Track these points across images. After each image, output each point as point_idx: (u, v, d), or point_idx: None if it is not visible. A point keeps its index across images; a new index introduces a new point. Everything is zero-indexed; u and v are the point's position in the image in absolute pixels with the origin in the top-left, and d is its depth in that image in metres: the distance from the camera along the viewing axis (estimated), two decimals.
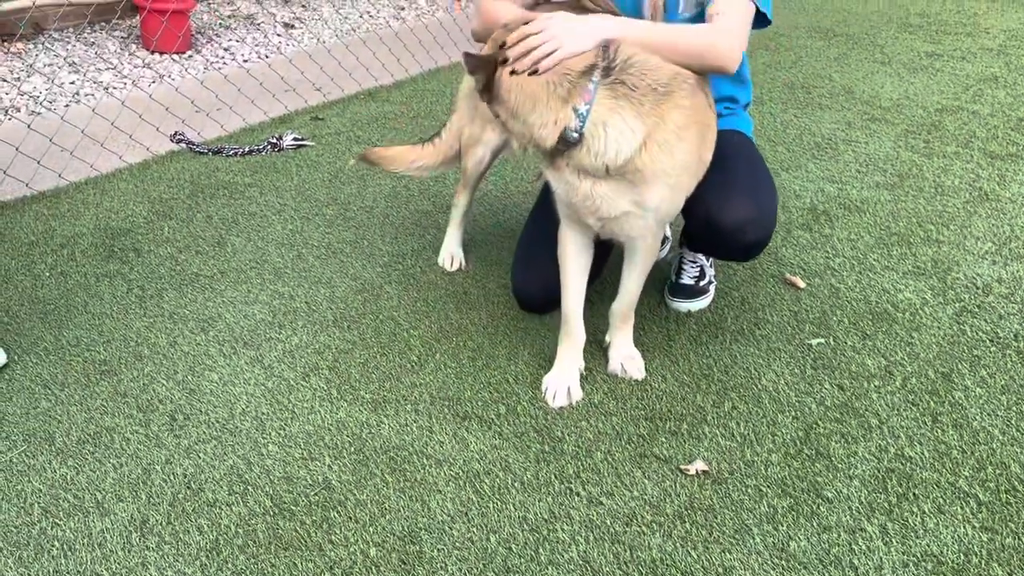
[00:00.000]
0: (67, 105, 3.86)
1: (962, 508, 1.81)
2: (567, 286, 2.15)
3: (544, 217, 2.48)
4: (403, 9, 6.14)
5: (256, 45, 5.03)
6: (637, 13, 2.13)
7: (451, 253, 2.71)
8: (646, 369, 2.23)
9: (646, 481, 1.87)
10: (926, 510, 1.80)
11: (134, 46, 4.72)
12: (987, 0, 6.60)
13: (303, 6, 5.94)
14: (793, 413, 2.08)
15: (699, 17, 2.15)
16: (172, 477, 1.86)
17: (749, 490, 1.85)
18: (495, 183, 3.28)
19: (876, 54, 5.02)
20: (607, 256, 2.42)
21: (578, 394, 2.12)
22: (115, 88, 4.12)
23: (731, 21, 1.93)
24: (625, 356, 2.22)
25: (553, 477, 1.87)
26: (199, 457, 1.91)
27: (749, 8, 1.98)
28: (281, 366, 2.21)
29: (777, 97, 4.20)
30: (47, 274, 2.60)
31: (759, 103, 4.06)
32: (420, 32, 4.93)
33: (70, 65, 4.35)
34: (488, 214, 3.03)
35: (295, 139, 3.55)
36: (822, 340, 2.36)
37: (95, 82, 4.19)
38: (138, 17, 4.73)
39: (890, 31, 5.58)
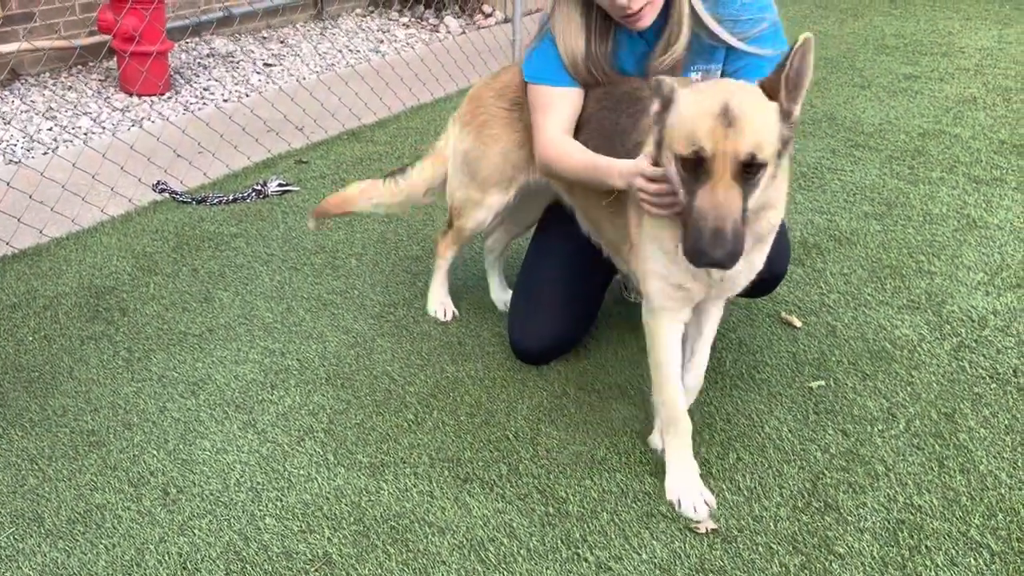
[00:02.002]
0: (45, 153, 3.80)
1: (975, 560, 1.78)
2: (673, 383, 1.93)
3: (540, 265, 2.45)
4: (382, 43, 6.14)
5: (235, 84, 4.99)
6: None
7: (441, 303, 2.66)
8: (646, 420, 2.19)
9: (655, 543, 1.83)
10: (939, 563, 1.78)
11: (112, 89, 4.67)
12: (961, 19, 6.69)
13: (281, 43, 5.91)
14: (799, 463, 2.06)
15: None
16: (167, 558, 1.80)
17: (760, 548, 1.81)
18: None
19: (855, 77, 5.06)
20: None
21: (711, 498, 1.92)
22: (94, 134, 4.06)
23: None
24: None
25: (559, 542, 1.83)
26: (194, 534, 1.85)
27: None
28: (275, 430, 2.16)
29: None
30: (30, 338, 2.53)
31: None
32: (400, 67, 4.92)
33: (47, 111, 4.29)
34: (479, 258, 3.00)
35: (280, 184, 3.50)
36: (822, 382, 2.34)
37: (74, 127, 4.14)
38: (115, 59, 4.69)
39: (867, 53, 5.63)
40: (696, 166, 1.58)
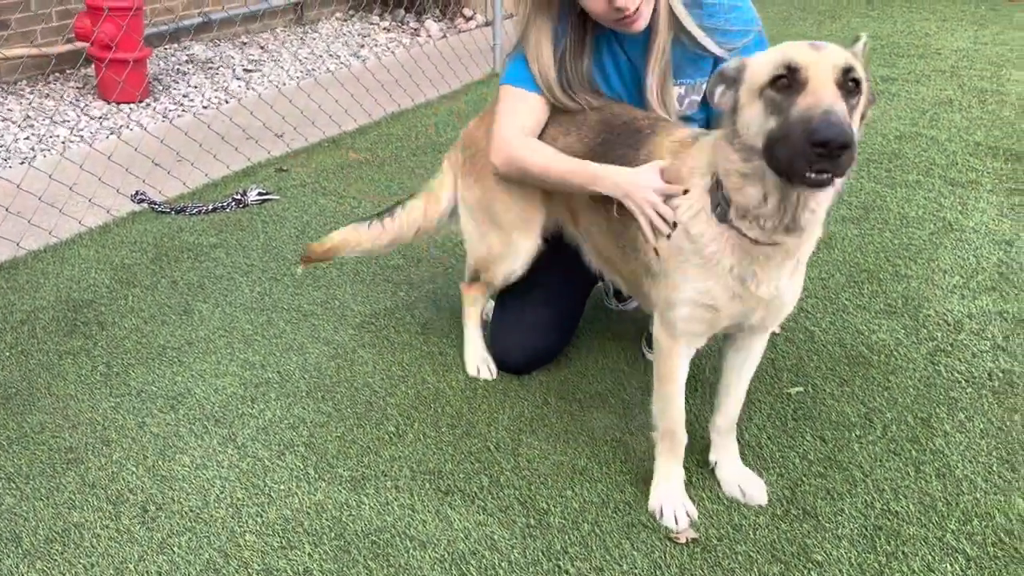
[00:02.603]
0: (23, 163, 3.76)
1: (951, 565, 1.80)
2: (678, 403, 1.92)
3: (523, 277, 2.44)
4: (362, 48, 6.12)
5: (215, 91, 4.96)
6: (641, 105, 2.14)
7: (483, 359, 2.42)
8: (626, 429, 2.21)
9: (636, 553, 1.84)
10: (916, 569, 1.80)
11: (90, 97, 4.63)
12: (937, 20, 6.77)
13: (261, 48, 5.88)
14: (778, 470, 2.07)
15: (700, 116, 2.19)
16: None
17: (739, 557, 1.83)
18: None
19: None
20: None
21: (693, 510, 1.93)
22: (72, 143, 4.03)
23: None
24: (741, 477, 2.00)
25: (541, 554, 1.83)
26: (173, 552, 1.84)
27: None
28: (255, 444, 2.15)
29: None
30: (7, 354, 2.51)
31: None
32: (380, 72, 4.91)
33: (24, 120, 4.25)
34: (458, 267, 2.99)
35: (259, 193, 3.49)
36: (800, 388, 2.36)
37: (51, 136, 4.10)
38: (93, 67, 4.65)
39: None
40: (786, 85, 1.48)
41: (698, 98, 2.18)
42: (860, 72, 1.52)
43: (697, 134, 1.91)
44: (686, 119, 2.19)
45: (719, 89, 1.66)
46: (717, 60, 2.10)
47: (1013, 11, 7.20)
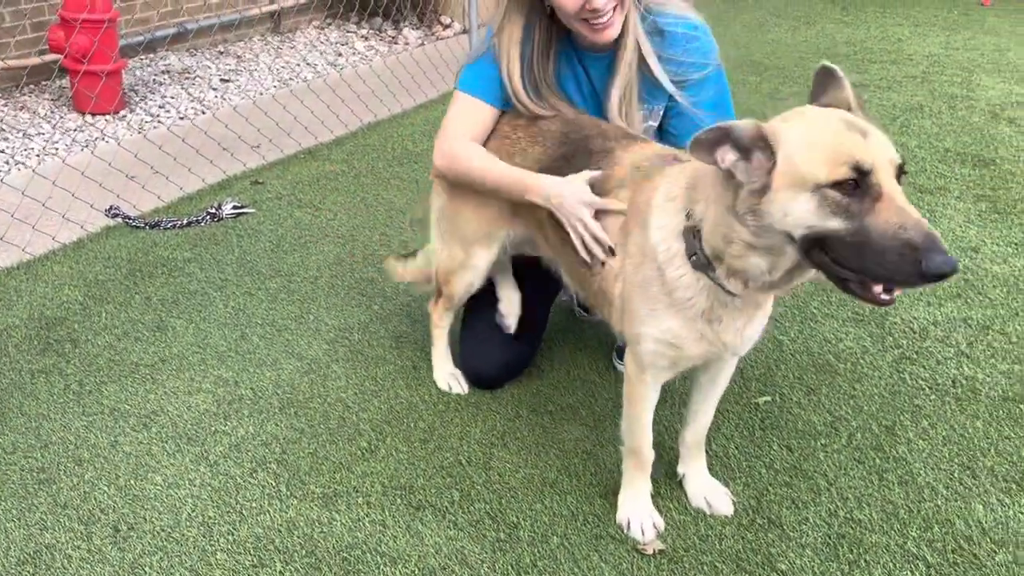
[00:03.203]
0: None
1: (912, 572, 1.84)
2: (646, 427, 1.93)
3: (489, 290, 2.47)
4: (340, 56, 6.13)
5: (192, 101, 4.96)
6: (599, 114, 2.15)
7: (451, 374, 2.44)
8: (597, 441, 2.23)
9: (604, 565, 1.87)
10: None
11: (65, 109, 4.62)
12: (910, 26, 6.85)
13: (238, 57, 5.88)
14: (744, 479, 2.11)
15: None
16: None
17: (705, 567, 1.86)
18: None
19: (807, 88, 5.12)
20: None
21: (660, 521, 1.96)
22: (47, 156, 4.01)
23: None
24: (707, 489, 2.03)
25: (510, 568, 1.86)
26: (145, 572, 1.85)
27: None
28: (227, 462, 2.16)
29: None
30: None
31: None
32: (357, 83, 4.92)
33: None
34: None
35: (235, 207, 3.50)
36: (768, 398, 2.40)
37: (26, 149, 4.09)
38: (68, 78, 4.63)
39: (818, 61, 5.73)
40: (854, 187, 1.40)
41: (655, 124, 2.20)
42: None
43: (665, 156, 1.88)
44: None
45: (729, 155, 1.50)
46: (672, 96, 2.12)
47: (985, 15, 7.31)
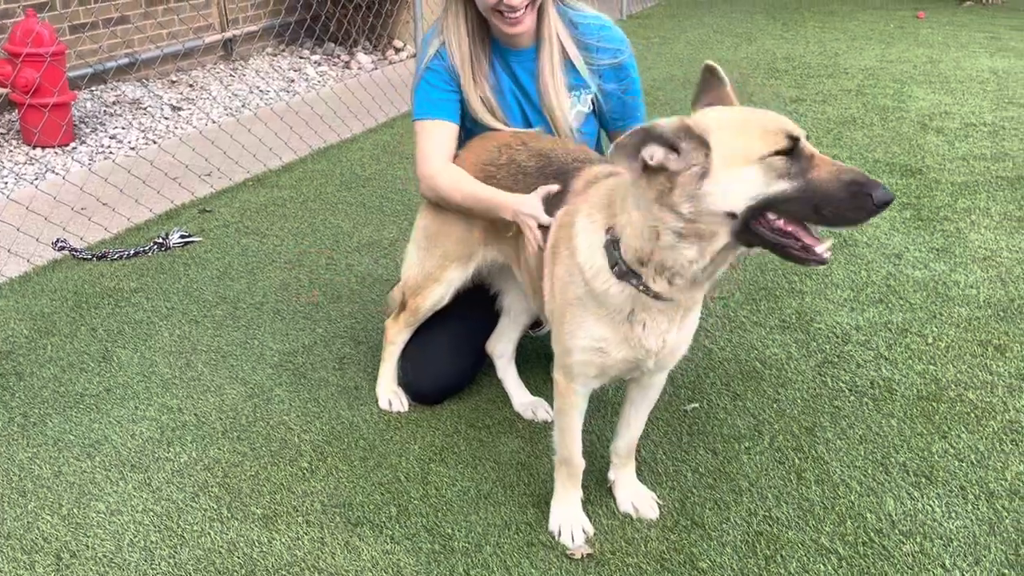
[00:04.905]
0: None
1: (824, 565, 1.94)
2: (576, 437, 2.03)
3: (438, 311, 2.51)
4: (292, 82, 6.20)
5: (143, 130, 5.00)
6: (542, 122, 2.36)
7: (394, 392, 2.51)
8: (532, 452, 2.31)
9: (534, 571, 1.94)
10: (792, 570, 1.93)
11: (15, 141, 4.63)
12: (847, 40, 7.09)
13: (191, 86, 5.93)
14: (670, 484, 2.20)
15: (588, 128, 2.42)
16: None
17: (630, 569, 1.95)
18: (387, 266, 3.34)
19: (744, 103, 5.30)
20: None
21: (589, 527, 2.05)
22: None
23: None
24: (635, 494, 2.12)
25: None
26: None
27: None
28: (170, 487, 2.21)
29: None
30: None
31: None
32: (305, 111, 4.99)
33: None
34: (378, 300, 3.09)
35: (182, 236, 3.54)
36: (696, 405, 2.50)
37: None
38: (16, 111, 4.65)
39: (759, 78, 5.93)
40: (790, 153, 1.56)
41: (585, 109, 2.38)
42: None
43: (593, 179, 2.02)
44: (575, 131, 2.38)
45: (658, 151, 1.60)
46: (608, 94, 2.36)
47: (919, 28, 7.59)
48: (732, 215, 1.60)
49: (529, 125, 2.37)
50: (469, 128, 2.41)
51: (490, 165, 2.27)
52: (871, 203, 1.54)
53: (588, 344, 1.87)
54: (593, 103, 2.38)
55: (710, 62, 1.82)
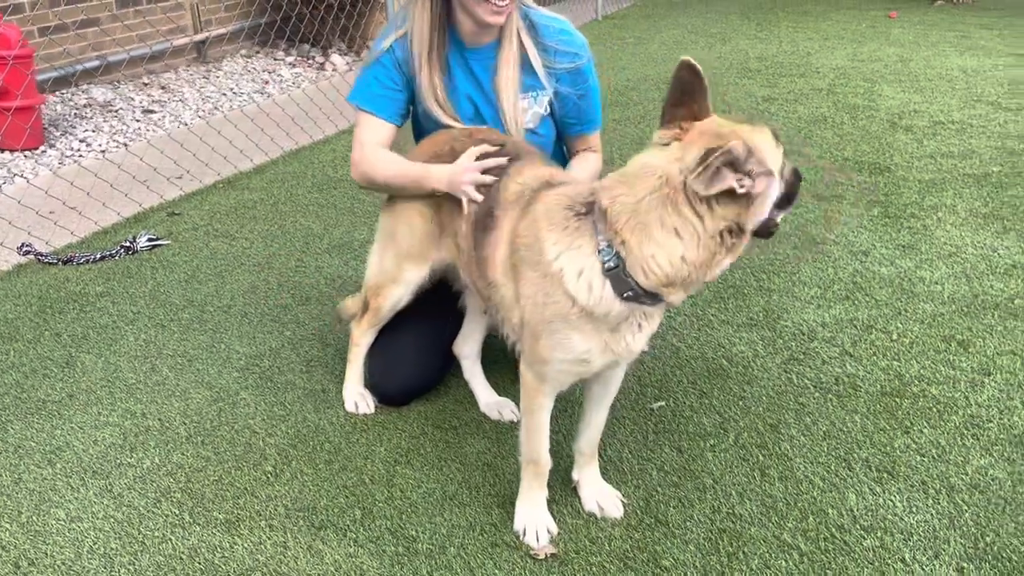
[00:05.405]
0: None
1: (786, 561, 1.96)
2: (544, 435, 2.02)
3: (404, 312, 2.51)
4: (267, 83, 6.17)
5: (114, 133, 4.95)
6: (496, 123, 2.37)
7: (361, 394, 2.50)
8: (498, 453, 2.31)
9: (497, 572, 1.94)
10: (754, 567, 1.94)
11: None
12: (820, 39, 7.15)
13: (163, 88, 5.88)
14: (635, 482, 2.21)
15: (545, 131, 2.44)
16: None
17: (594, 568, 1.95)
18: (356, 268, 3.33)
19: (717, 102, 5.27)
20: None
21: (553, 527, 2.04)
22: None
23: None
24: (599, 494, 2.12)
25: None
26: None
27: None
28: (131, 493, 2.19)
29: (627, 154, 4.41)
30: None
31: (608, 162, 4.27)
32: (278, 111, 4.97)
33: None
34: (341, 290, 3.06)
35: (149, 239, 3.51)
36: (662, 403, 2.51)
37: None
38: None
39: (731, 77, 5.97)
40: None
41: (542, 111, 2.39)
42: None
43: (541, 179, 2.01)
44: (531, 132, 2.38)
45: (742, 181, 1.62)
46: (562, 96, 2.37)
47: (891, 27, 7.66)
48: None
49: (483, 123, 2.37)
50: (427, 129, 2.41)
51: (436, 158, 2.26)
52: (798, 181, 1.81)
53: (572, 357, 1.86)
54: (550, 105, 2.39)
55: (689, 59, 1.73)
